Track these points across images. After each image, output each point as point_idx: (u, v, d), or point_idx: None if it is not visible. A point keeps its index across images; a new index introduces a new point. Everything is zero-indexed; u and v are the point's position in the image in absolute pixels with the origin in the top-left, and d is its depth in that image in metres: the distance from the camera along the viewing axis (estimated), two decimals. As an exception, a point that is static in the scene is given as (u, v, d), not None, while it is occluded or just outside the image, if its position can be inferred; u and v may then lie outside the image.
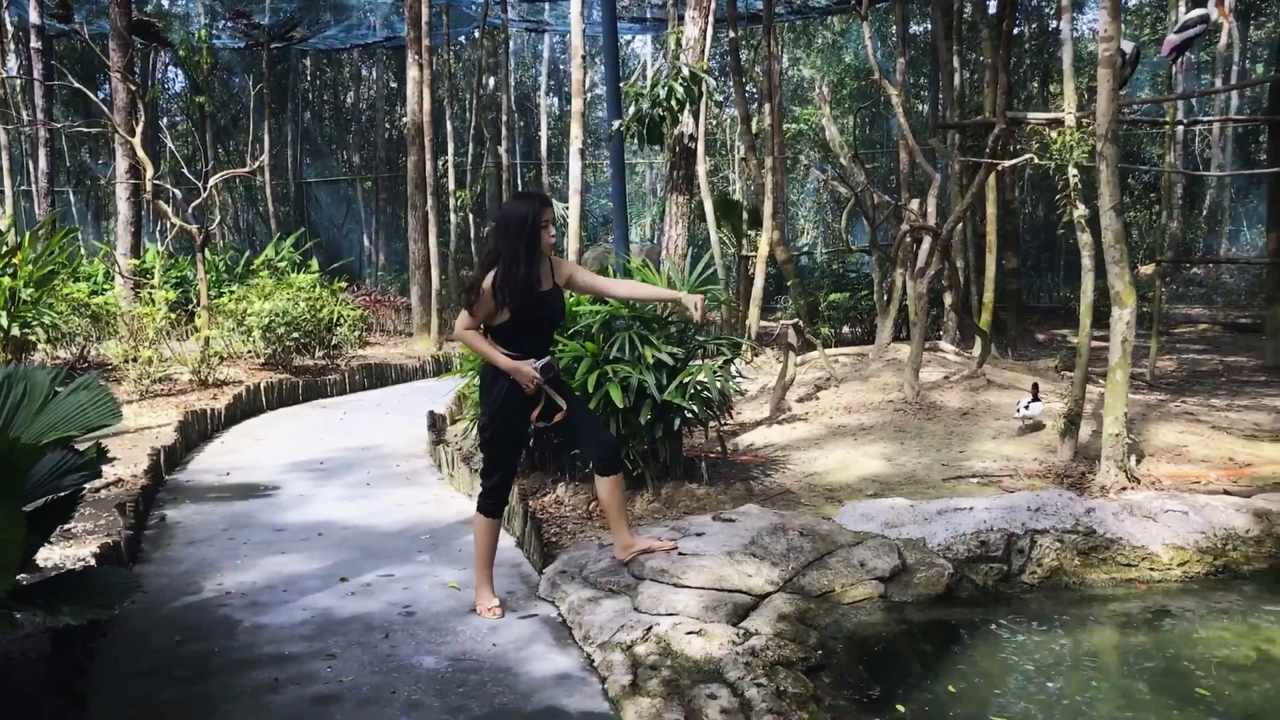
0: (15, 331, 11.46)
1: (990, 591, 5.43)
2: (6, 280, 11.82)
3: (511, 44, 29.50)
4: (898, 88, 9.46)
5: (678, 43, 7.55)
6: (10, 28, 18.07)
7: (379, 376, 13.65)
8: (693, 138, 7.88)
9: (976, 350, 11.81)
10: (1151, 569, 5.55)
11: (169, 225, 14.41)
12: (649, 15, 22.84)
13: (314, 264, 21.59)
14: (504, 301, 4.68)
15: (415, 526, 6.74)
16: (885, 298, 11.19)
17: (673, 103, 7.15)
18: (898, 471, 7.27)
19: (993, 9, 14.36)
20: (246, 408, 11.23)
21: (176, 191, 13.90)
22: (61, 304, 12.50)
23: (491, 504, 5.04)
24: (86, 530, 6.67)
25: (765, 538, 5.40)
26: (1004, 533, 5.59)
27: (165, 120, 35.65)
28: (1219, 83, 23.94)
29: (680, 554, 5.19)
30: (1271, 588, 5.51)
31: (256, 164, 14.11)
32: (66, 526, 6.70)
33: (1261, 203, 25.22)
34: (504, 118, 23.02)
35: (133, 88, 13.87)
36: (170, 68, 32.10)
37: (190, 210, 13.88)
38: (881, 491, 6.76)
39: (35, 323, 11.76)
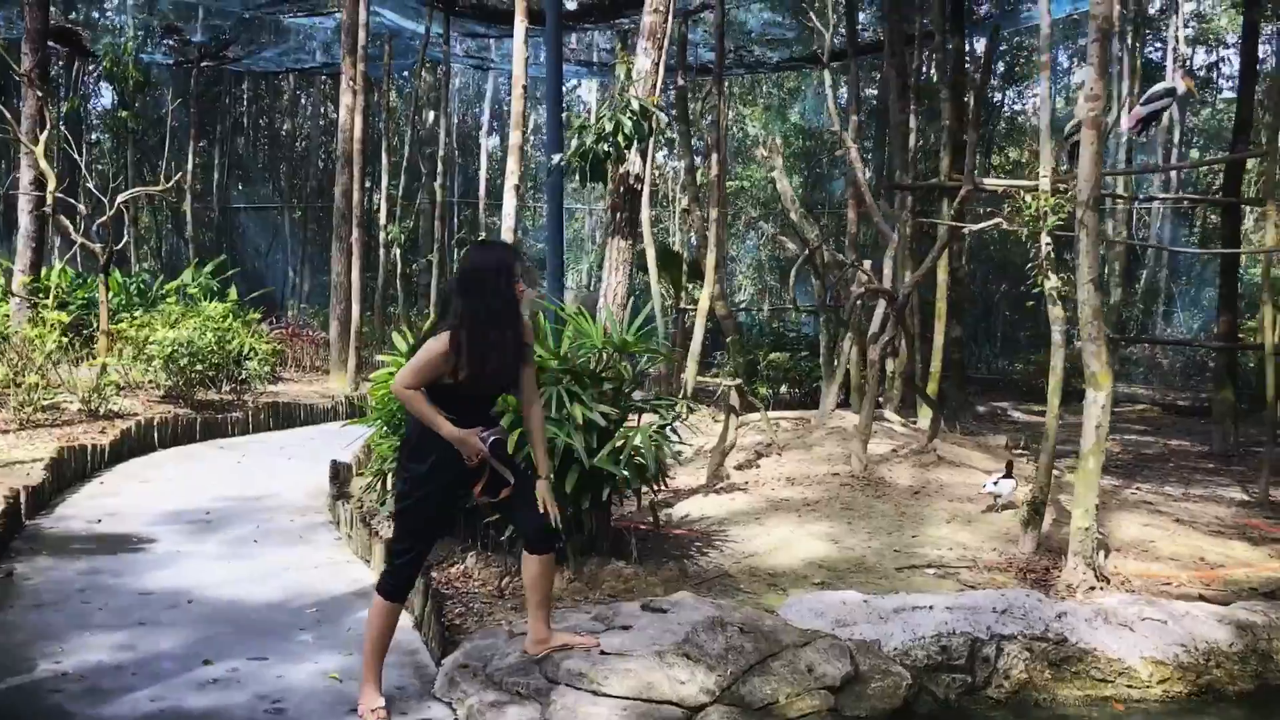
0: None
1: (952, 707, 4.79)
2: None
3: (456, 81, 28.90)
4: (851, 145, 9.03)
5: (628, 74, 6.94)
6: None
7: (287, 416, 12.71)
8: (639, 178, 7.25)
9: (922, 421, 11.30)
10: (1129, 685, 4.95)
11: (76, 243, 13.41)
12: (595, 59, 22.43)
13: (233, 293, 20.53)
14: (464, 366, 4.09)
15: (301, 596, 5.91)
16: (833, 362, 10.65)
17: (619, 138, 6.51)
18: (846, 556, 6.62)
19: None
20: (135, 444, 10.25)
21: (82, 207, 12.91)
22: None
23: (394, 585, 4.30)
24: (-86, 585, 5.74)
25: (701, 634, 4.68)
26: (967, 637, 4.96)
27: (92, 136, 34.33)
28: (1159, 162, 24.15)
29: (603, 652, 4.46)
30: (1260, 712, 4.93)
31: (171, 184, 13.22)
32: (-109, 579, 5.77)
33: (1198, 286, 25.51)
34: (441, 153, 22.36)
35: (39, 94, 12.92)
36: (100, 82, 30.90)
37: (95, 228, 12.90)
38: (829, 580, 6.10)
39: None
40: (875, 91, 27.69)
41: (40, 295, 13.15)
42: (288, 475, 9.56)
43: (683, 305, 17.97)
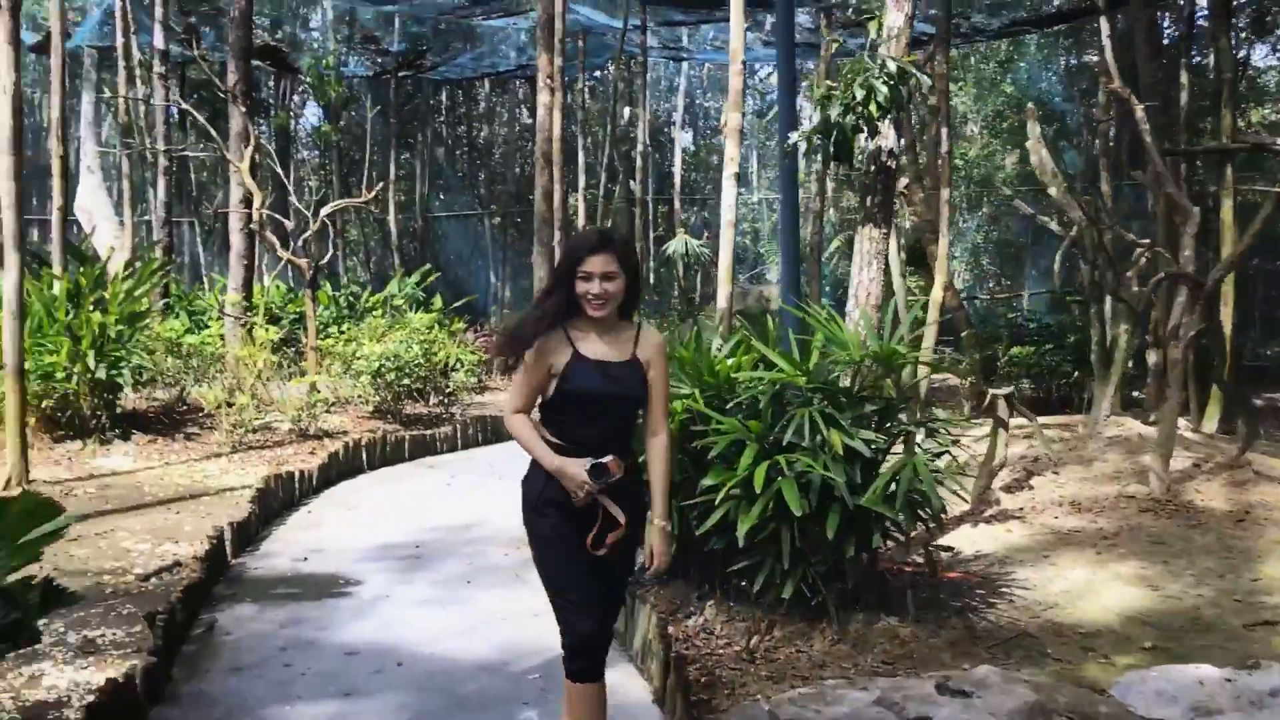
0: (102, 374, 10.37)
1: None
2: (96, 316, 10.78)
3: (648, 75, 28.20)
4: (1138, 106, 7.55)
5: (878, 31, 5.88)
6: (138, 53, 17.48)
7: (495, 430, 12.12)
8: (893, 154, 6.12)
9: (1207, 424, 9.67)
10: None
11: (282, 258, 13.34)
12: (798, 39, 21.13)
13: (437, 302, 20.49)
14: (527, 341, 3.38)
15: (520, 656, 5.12)
16: (1108, 358, 9.19)
17: (872, 108, 5.44)
18: (1172, 608, 5.33)
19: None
20: (343, 468, 9.84)
21: (288, 222, 12.77)
22: (153, 343, 11.43)
23: (581, 666, 3.43)
24: (114, 642, 5.26)
25: (1030, 739, 3.59)
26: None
27: (301, 154, 35.57)
28: None
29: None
30: None
31: (372, 195, 12.95)
32: (92, 635, 5.32)
33: None
34: (640, 148, 21.66)
35: (243, 110, 12.86)
36: (307, 100, 31.87)
37: (300, 243, 12.74)
38: (1162, 643, 4.84)
39: (124, 364, 10.67)
40: (1095, 58, 25.31)
41: (252, 313, 13.10)
42: (498, 499, 8.88)
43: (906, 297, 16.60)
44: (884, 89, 5.36)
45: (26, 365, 10.33)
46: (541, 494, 3.39)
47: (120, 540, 7.30)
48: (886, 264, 6.24)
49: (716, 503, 5.01)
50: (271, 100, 27.77)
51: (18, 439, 8.79)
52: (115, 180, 19.47)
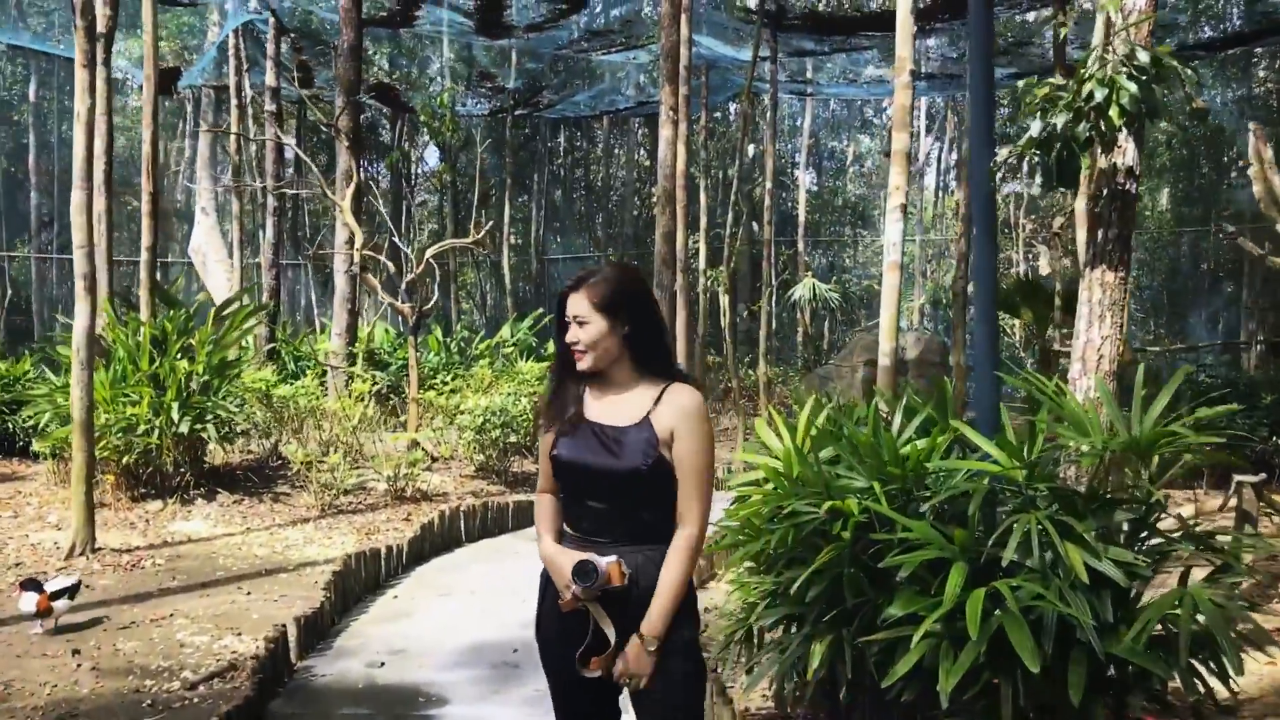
0: (184, 427, 9.51)
1: None
2: (182, 364, 9.97)
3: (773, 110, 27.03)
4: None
5: (1114, 11, 4.49)
6: (250, 92, 17.04)
7: None
8: (1132, 173, 4.69)
9: None
10: None
11: (385, 302, 12.45)
12: (935, 71, 19.69)
13: (549, 347, 19.51)
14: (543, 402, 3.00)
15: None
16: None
17: (1113, 113, 4.07)
18: None
19: None
20: (438, 540, 8.71)
21: (390, 264, 11.90)
22: (245, 394, 10.58)
23: None
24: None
25: None
26: None
27: (422, 196, 35.36)
28: None
29: None
30: None
31: (481, 234, 11.97)
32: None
33: None
34: (769, 184, 20.43)
35: (346, 146, 12.07)
36: (427, 143, 31.54)
37: (404, 286, 11.80)
38: None
39: (209, 417, 9.81)
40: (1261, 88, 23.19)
41: (351, 363, 12.20)
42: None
43: (1057, 348, 14.90)
44: (1131, 88, 3.98)
45: (107, 417, 9.57)
46: (546, 586, 2.94)
47: (176, 630, 6.30)
48: (1125, 317, 4.79)
49: (913, 643, 3.65)
50: (387, 140, 27.45)
51: (83, 502, 7.94)
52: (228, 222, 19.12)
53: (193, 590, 7.20)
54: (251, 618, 6.54)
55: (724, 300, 16.21)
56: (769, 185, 20.81)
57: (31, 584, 6.08)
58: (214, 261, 20.55)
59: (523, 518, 9.70)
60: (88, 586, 7.18)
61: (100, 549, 8.05)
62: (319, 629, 6.25)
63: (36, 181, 25.69)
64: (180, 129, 29.11)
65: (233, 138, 17.24)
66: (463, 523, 9.07)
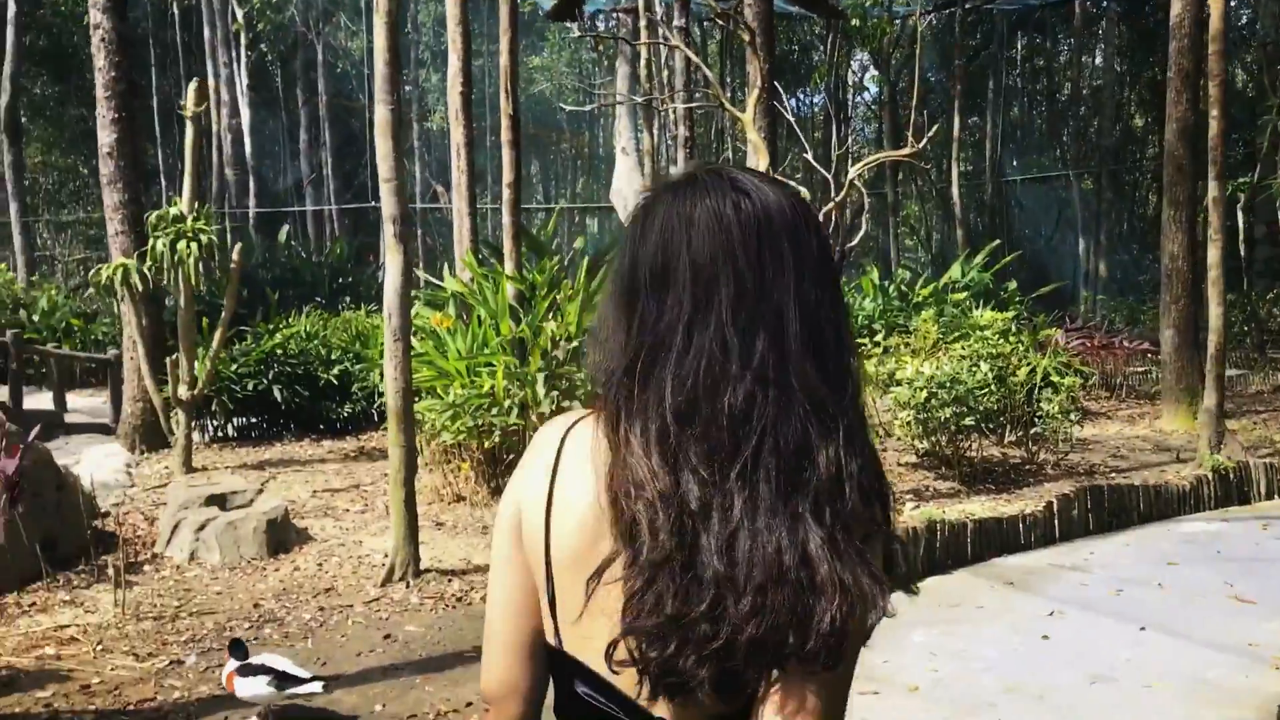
0: (545, 406, 7.59)
1: None
2: (549, 327, 8.05)
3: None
4: None
5: None
6: (660, 10, 15.07)
7: (1113, 504, 7.48)
8: None
9: None
10: None
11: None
12: None
13: (1011, 287, 15.92)
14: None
15: None
16: None
17: None
18: None
19: None
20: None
21: (803, 190, 9.31)
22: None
23: None
24: None
25: None
26: None
27: (857, 124, 32.33)
28: None
29: None
30: None
31: (920, 145, 9.03)
32: None
33: None
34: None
35: (759, 54, 9.56)
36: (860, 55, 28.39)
37: (821, 217, 9.14)
38: None
39: (580, 391, 7.84)
40: None
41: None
42: (1155, 693, 4.53)
43: None
44: None
45: (465, 391, 7.89)
46: None
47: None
48: None
49: None
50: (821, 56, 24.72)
51: (403, 513, 6.15)
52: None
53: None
54: None
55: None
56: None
57: (237, 647, 4.19)
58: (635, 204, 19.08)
59: (987, 541, 6.69)
60: (387, 637, 5.35)
61: (427, 571, 6.26)
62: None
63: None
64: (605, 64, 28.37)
65: (643, 64, 15.40)
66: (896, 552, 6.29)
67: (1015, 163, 27.71)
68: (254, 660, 4.08)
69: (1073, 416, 8.91)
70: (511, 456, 7.94)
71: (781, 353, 1.04)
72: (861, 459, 1.04)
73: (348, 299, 19.10)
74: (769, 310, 1.05)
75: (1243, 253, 17.57)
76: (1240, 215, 16.92)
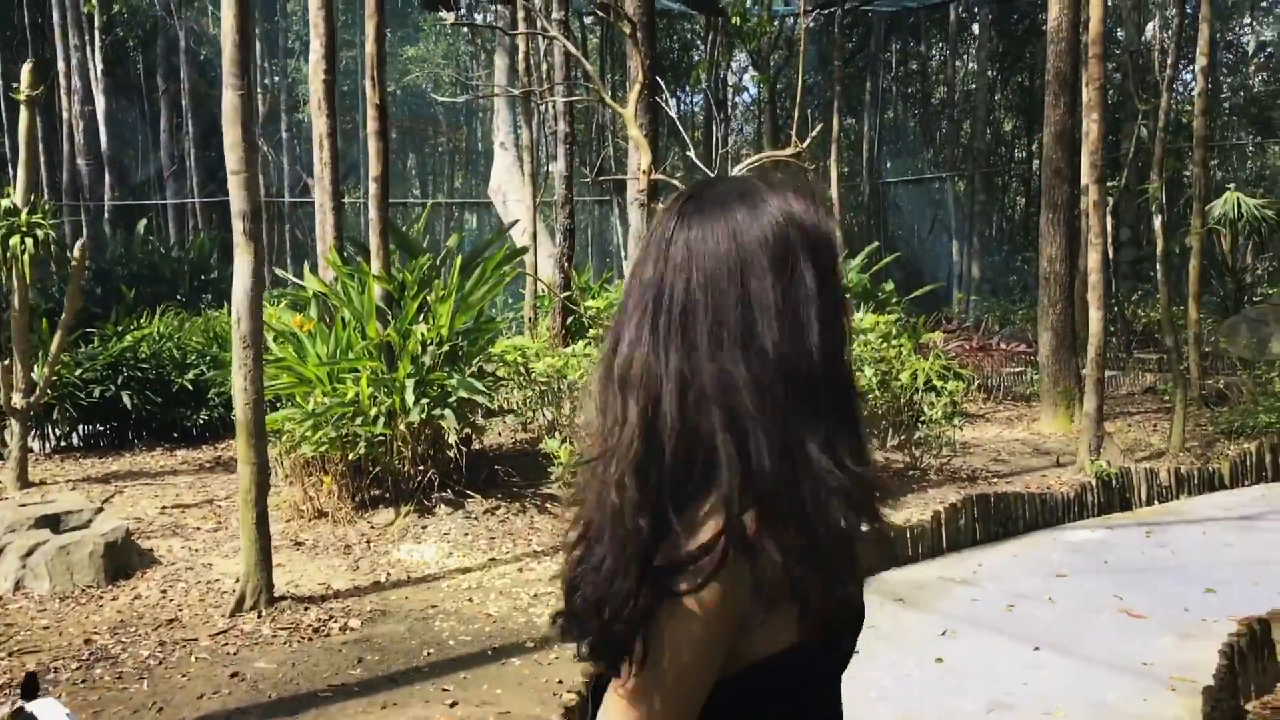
0: (416, 415, 7.11)
1: None
2: (418, 331, 7.56)
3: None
4: None
5: None
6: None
7: (999, 513, 7.37)
8: None
9: None
10: None
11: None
12: None
13: (888, 288, 15.94)
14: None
15: None
16: None
17: None
18: None
19: None
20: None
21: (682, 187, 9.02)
22: (505, 365, 8.10)
23: None
24: None
25: None
26: None
27: (738, 123, 32.32)
28: None
29: None
30: None
31: (799, 148, 8.79)
32: None
33: None
34: (1167, 70, 15.70)
35: (640, 49, 9.21)
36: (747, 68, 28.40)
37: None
38: None
39: (450, 400, 7.37)
40: None
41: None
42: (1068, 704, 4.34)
43: None
44: None
45: (325, 400, 7.36)
46: None
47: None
48: None
49: None
50: (700, 53, 24.55)
51: (254, 536, 5.61)
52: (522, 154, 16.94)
53: (374, 692, 4.65)
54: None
55: (1157, 223, 12.05)
56: (1168, 71, 15.93)
57: (29, 688, 3.60)
58: (514, 201, 18.57)
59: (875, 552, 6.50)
60: (234, 675, 4.83)
61: (281, 598, 5.74)
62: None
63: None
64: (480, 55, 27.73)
65: (521, 56, 14.93)
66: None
67: (890, 164, 28.10)
68: (27, 706, 3.52)
69: (956, 421, 8.84)
70: (377, 469, 7.44)
71: None
72: None
73: (209, 297, 18.08)
74: None
75: (1110, 255, 18.03)
76: (1108, 219, 17.35)
